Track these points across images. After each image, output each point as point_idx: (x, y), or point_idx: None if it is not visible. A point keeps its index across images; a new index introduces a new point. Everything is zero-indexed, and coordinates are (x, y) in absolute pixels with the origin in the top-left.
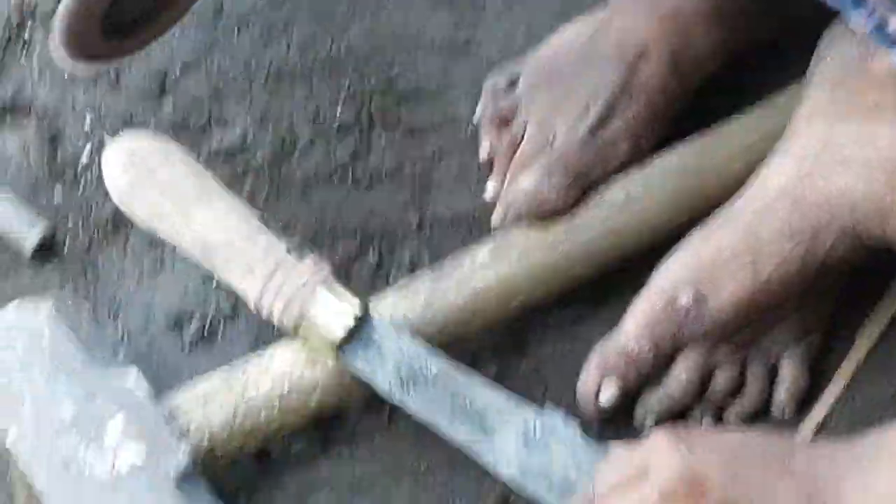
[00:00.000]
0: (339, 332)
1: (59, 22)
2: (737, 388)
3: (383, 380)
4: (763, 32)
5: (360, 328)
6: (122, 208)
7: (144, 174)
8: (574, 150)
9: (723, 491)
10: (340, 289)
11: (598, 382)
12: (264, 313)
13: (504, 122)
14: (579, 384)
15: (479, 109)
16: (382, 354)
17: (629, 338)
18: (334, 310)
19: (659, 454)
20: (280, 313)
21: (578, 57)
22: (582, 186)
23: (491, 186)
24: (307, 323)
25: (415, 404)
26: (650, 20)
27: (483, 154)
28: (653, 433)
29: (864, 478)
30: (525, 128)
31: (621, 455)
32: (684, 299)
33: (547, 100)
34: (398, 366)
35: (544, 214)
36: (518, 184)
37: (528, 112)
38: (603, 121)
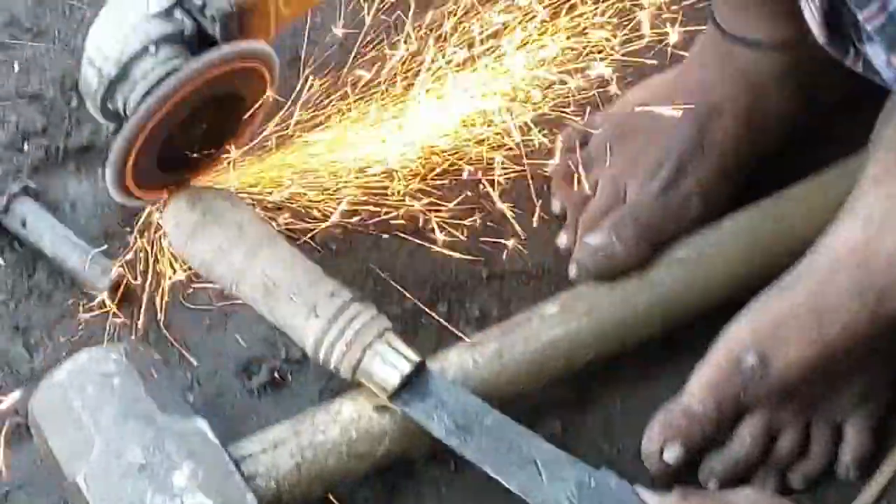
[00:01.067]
0: (393, 382)
1: (109, 167)
2: (801, 450)
3: (439, 426)
4: (838, 92)
5: (417, 379)
6: (180, 249)
7: (211, 216)
8: (645, 207)
9: None
10: (399, 341)
11: (662, 442)
12: (321, 356)
13: (576, 176)
14: (644, 442)
15: (552, 163)
16: (438, 403)
17: (694, 399)
18: (391, 360)
19: None
20: (339, 357)
21: (652, 114)
22: (652, 243)
23: (563, 238)
24: (364, 369)
25: (470, 451)
26: (725, 78)
27: (555, 208)
28: (669, 494)
29: None
30: (597, 183)
31: None
32: (749, 361)
33: (619, 156)
34: (454, 414)
35: (614, 271)
36: (588, 240)
37: (601, 167)
38: (675, 178)
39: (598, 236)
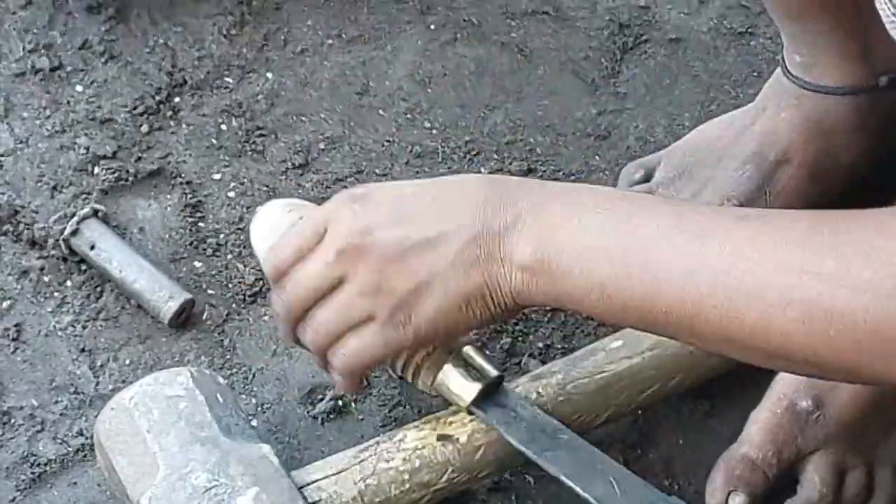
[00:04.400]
0: (471, 394)
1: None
2: (867, 492)
3: (517, 433)
4: None
5: (495, 393)
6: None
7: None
8: None
9: (387, 231)
10: (479, 355)
11: (726, 492)
12: (399, 365)
13: None
14: (708, 494)
15: None
16: (516, 416)
17: (752, 446)
18: (470, 373)
19: (334, 214)
20: (415, 369)
21: (718, 155)
22: None
23: None
24: (442, 381)
25: (547, 460)
26: (793, 125)
27: None
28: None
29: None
30: None
31: (305, 220)
32: (804, 404)
33: (683, 193)
34: (531, 427)
35: None
36: None
37: None
38: None
39: None
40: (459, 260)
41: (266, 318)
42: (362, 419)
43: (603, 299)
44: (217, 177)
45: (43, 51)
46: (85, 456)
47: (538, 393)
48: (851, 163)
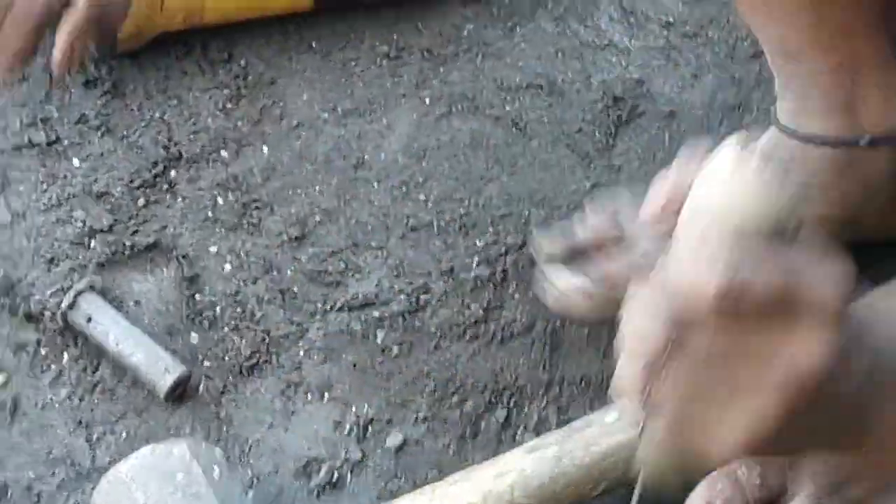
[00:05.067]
0: None
1: None
2: None
3: None
4: None
5: None
6: None
7: None
8: None
9: None
10: None
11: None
12: None
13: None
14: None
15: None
16: None
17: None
18: None
19: None
20: None
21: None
22: None
23: None
24: None
25: None
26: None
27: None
28: None
29: None
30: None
31: None
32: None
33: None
34: None
35: None
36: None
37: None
38: None
39: None
40: None
41: (262, 390)
42: (357, 492)
43: None
44: (213, 250)
45: (40, 125)
46: None
47: (534, 465)
48: (821, 215)
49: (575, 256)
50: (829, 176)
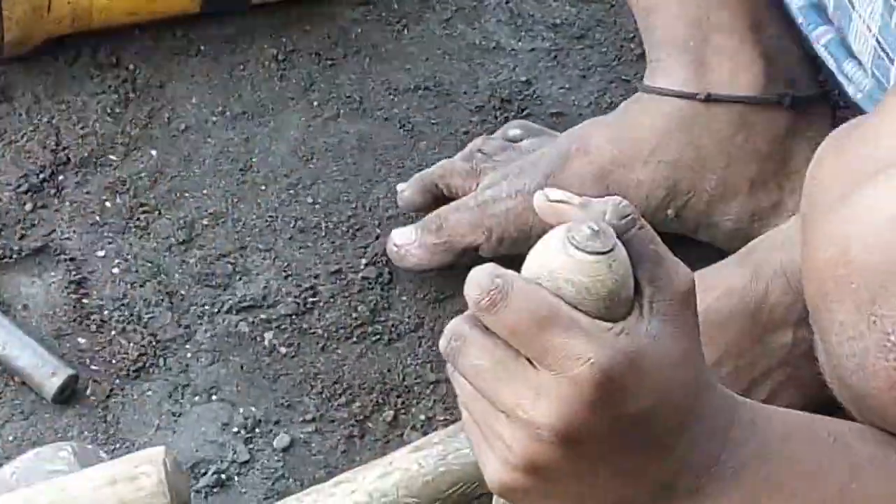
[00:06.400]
0: None
1: None
2: None
3: None
4: None
5: None
6: None
7: None
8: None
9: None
10: None
11: None
12: None
13: None
14: None
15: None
16: None
17: None
18: None
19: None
20: None
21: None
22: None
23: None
24: None
25: None
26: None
27: None
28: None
29: None
30: None
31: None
32: None
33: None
34: None
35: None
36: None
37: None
38: None
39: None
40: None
41: (150, 392)
42: (245, 493)
43: None
44: (101, 254)
45: None
46: None
47: (419, 464)
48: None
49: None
50: (668, 128)
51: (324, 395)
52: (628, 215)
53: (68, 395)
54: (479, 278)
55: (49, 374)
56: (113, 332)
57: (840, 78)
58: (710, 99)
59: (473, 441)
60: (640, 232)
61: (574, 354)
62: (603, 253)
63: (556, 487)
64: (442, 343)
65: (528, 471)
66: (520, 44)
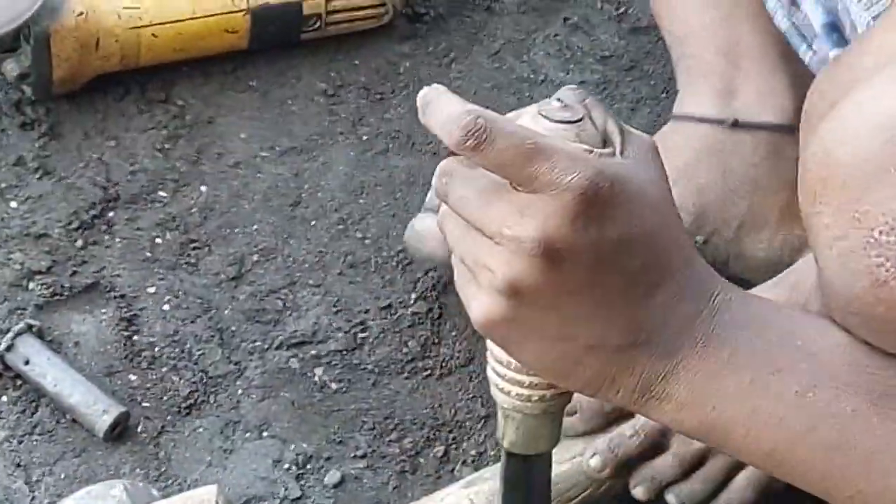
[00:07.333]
0: None
1: None
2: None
3: None
4: None
5: None
6: None
7: None
8: None
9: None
10: None
11: None
12: None
13: None
14: None
15: None
16: None
17: None
18: None
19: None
20: None
21: None
22: None
23: None
24: None
25: None
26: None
27: None
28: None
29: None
30: None
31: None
32: None
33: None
34: None
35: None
36: None
37: None
38: None
39: None
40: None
41: (201, 429)
42: None
43: (767, 461)
44: (151, 290)
45: None
46: None
47: (470, 500)
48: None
49: None
50: (696, 153)
51: (375, 431)
52: (585, 98)
53: (120, 432)
54: (459, 118)
55: (101, 412)
56: (164, 369)
57: None
58: (737, 125)
59: (461, 283)
60: (600, 109)
61: (559, 174)
62: (573, 122)
63: (535, 320)
64: (434, 182)
65: (511, 293)
66: (568, 76)
